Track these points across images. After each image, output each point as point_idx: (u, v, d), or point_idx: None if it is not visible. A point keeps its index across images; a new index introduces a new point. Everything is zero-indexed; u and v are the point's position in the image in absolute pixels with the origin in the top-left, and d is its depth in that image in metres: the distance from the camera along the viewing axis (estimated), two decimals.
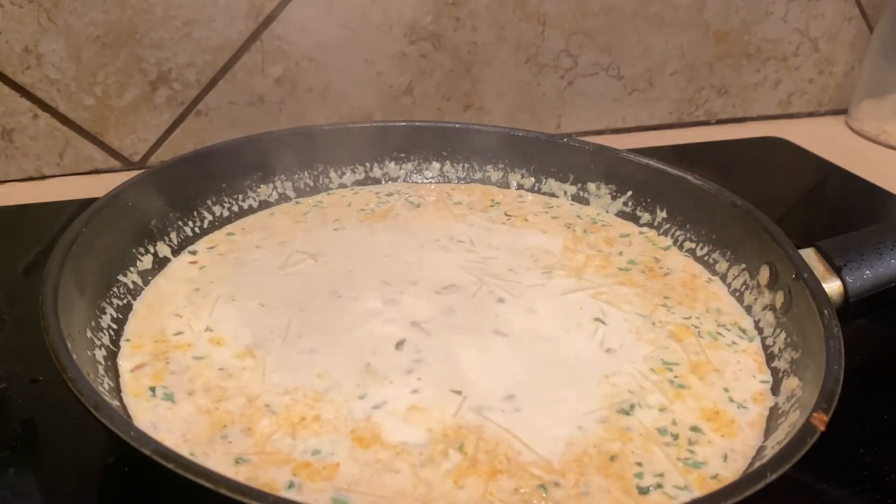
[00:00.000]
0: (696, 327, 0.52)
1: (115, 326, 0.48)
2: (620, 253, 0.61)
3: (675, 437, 0.43)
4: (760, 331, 0.52)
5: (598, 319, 0.52)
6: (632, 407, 0.45)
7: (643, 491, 0.39)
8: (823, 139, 0.94)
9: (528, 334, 0.50)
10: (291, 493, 0.38)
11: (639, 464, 0.41)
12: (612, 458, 0.41)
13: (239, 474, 0.38)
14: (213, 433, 0.41)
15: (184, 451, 0.39)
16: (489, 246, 0.60)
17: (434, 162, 0.70)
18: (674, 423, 0.44)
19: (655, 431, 0.43)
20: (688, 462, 0.41)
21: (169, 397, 0.43)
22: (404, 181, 0.70)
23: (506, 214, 0.66)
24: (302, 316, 0.50)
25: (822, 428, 0.37)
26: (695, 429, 0.44)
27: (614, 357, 0.49)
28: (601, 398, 0.45)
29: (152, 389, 0.44)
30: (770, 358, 0.49)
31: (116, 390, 0.44)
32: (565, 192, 0.68)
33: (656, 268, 0.59)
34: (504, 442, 0.41)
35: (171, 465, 0.32)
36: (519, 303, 0.53)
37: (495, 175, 0.70)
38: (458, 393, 0.44)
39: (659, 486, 0.40)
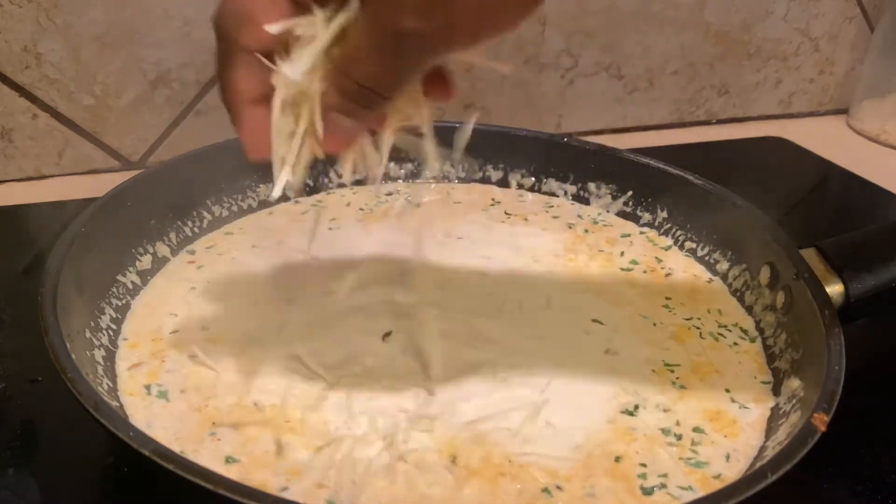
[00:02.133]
0: (698, 328, 0.52)
1: (114, 327, 0.48)
2: (622, 253, 0.60)
3: (679, 437, 0.43)
4: (761, 331, 0.52)
5: (599, 321, 0.52)
6: (636, 408, 0.44)
7: (647, 492, 0.39)
8: (824, 139, 0.94)
9: (529, 335, 0.50)
10: (285, 495, 0.37)
11: (643, 465, 0.41)
12: (617, 460, 0.41)
13: (230, 473, 0.38)
14: (203, 431, 0.41)
15: (175, 448, 0.39)
16: (489, 245, 0.60)
17: (434, 161, 0.70)
18: (677, 423, 0.44)
19: (659, 432, 0.43)
20: (690, 462, 0.41)
21: (163, 395, 0.43)
22: (404, 181, 0.70)
23: (506, 213, 0.65)
24: (298, 315, 0.50)
25: (822, 428, 0.37)
26: (697, 429, 0.43)
27: (617, 358, 0.48)
28: (605, 400, 0.45)
29: (147, 387, 0.44)
30: (771, 358, 0.49)
31: (115, 390, 0.44)
32: (565, 192, 0.68)
33: (658, 268, 0.59)
34: (505, 447, 0.41)
35: (170, 466, 0.32)
36: (519, 303, 0.53)
37: (495, 175, 0.70)
38: (457, 396, 0.44)
39: (663, 486, 0.40)
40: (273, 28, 0.34)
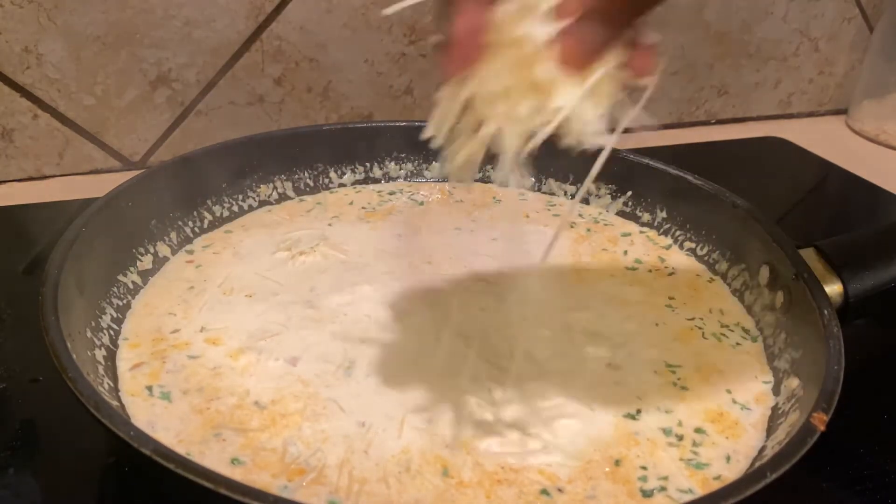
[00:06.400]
0: (701, 328, 0.52)
1: (115, 326, 0.48)
2: (625, 252, 0.60)
3: (680, 437, 0.43)
4: (761, 331, 0.52)
5: (604, 324, 0.52)
6: (638, 411, 0.44)
7: (647, 494, 0.39)
8: (823, 139, 0.94)
9: (531, 335, 0.50)
10: (285, 495, 0.37)
11: (643, 467, 0.41)
12: (618, 463, 0.41)
13: (234, 474, 0.38)
14: (206, 433, 0.41)
15: (179, 450, 0.39)
16: (491, 242, 0.60)
17: (434, 162, 0.70)
18: (679, 424, 0.44)
19: (660, 433, 0.43)
20: (691, 463, 0.41)
21: (165, 396, 0.43)
22: (405, 180, 0.70)
23: (507, 212, 0.65)
24: (298, 314, 0.50)
25: (821, 428, 0.37)
26: (699, 430, 0.43)
27: (620, 359, 0.48)
28: (607, 402, 0.45)
29: (149, 388, 0.44)
30: (770, 358, 0.49)
31: (116, 390, 0.44)
32: (565, 192, 0.68)
33: (662, 267, 0.59)
34: (505, 451, 0.41)
35: (171, 466, 0.32)
36: (521, 302, 0.53)
37: (495, 175, 0.70)
38: (455, 402, 0.44)
39: (663, 488, 0.40)
40: None
